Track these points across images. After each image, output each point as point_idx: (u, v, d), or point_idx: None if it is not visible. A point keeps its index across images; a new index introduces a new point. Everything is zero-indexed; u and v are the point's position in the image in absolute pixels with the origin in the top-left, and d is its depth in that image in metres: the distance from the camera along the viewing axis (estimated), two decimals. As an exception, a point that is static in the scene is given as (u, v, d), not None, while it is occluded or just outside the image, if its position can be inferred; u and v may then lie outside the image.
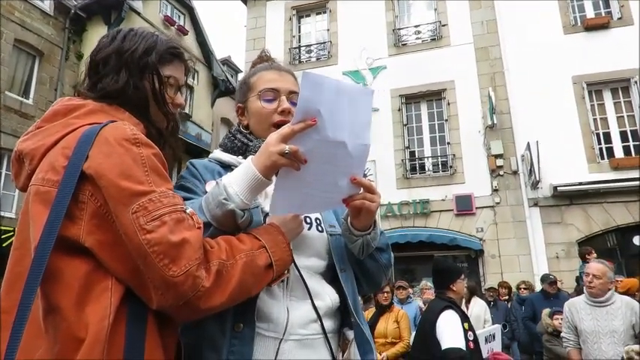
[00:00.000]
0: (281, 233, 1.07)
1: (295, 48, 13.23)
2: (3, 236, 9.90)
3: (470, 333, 3.06)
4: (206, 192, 1.14)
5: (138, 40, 1.08)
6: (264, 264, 0.99)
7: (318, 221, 1.30)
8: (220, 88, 17.55)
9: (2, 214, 10.54)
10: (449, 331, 3.01)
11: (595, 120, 10.44)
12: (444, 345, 2.95)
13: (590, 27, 10.71)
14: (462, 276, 3.43)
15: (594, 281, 3.52)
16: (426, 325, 3.21)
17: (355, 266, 1.33)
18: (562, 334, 3.79)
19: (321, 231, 1.29)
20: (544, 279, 6.54)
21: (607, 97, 10.63)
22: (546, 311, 5.03)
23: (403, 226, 10.79)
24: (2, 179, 11.07)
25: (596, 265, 3.63)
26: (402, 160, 11.24)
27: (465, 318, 3.19)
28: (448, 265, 3.56)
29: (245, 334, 1.08)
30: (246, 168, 1.05)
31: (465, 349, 2.95)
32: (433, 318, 3.14)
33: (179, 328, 1.10)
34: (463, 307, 6.66)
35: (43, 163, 0.93)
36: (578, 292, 7.40)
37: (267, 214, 1.17)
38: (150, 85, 1.07)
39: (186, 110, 15.92)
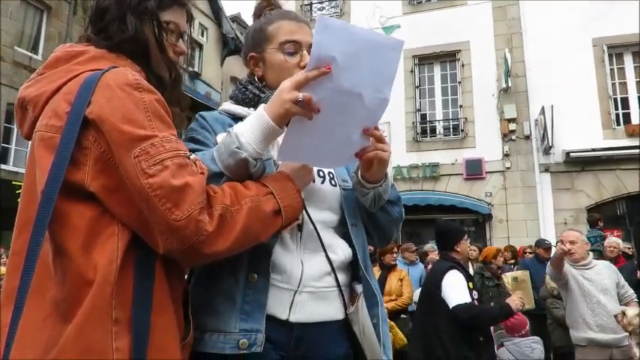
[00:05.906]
0: (290, 180, 1.07)
1: (307, 5, 12.83)
2: (17, 191, 10.08)
3: (474, 292, 3.12)
4: (217, 144, 1.13)
5: None
6: (271, 210, 0.99)
7: (331, 175, 1.30)
8: (230, 47, 17.23)
9: (16, 169, 10.71)
10: (455, 290, 3.06)
11: (614, 84, 10.12)
12: (452, 303, 3.00)
13: (615, -14, 10.22)
14: (465, 236, 3.47)
15: (572, 247, 3.72)
16: (431, 286, 3.26)
17: (367, 220, 1.32)
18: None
19: (334, 185, 1.29)
20: (539, 244, 6.59)
21: (628, 60, 10.25)
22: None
23: (412, 189, 10.76)
24: (15, 135, 11.16)
25: (570, 233, 3.88)
26: (413, 123, 11.09)
27: (469, 278, 3.23)
28: (451, 227, 3.61)
29: (259, 285, 1.10)
30: (258, 116, 1.03)
31: None
32: (438, 278, 3.18)
33: (193, 279, 1.12)
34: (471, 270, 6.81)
35: (46, 109, 0.93)
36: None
37: (278, 166, 1.16)
38: (150, 30, 1.04)
39: (195, 68, 15.73)
